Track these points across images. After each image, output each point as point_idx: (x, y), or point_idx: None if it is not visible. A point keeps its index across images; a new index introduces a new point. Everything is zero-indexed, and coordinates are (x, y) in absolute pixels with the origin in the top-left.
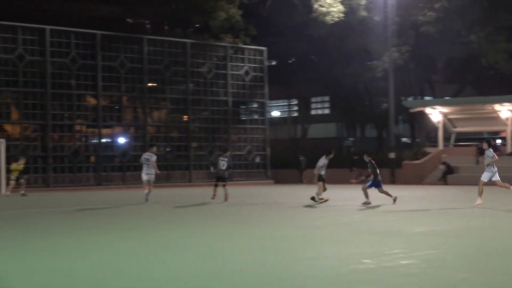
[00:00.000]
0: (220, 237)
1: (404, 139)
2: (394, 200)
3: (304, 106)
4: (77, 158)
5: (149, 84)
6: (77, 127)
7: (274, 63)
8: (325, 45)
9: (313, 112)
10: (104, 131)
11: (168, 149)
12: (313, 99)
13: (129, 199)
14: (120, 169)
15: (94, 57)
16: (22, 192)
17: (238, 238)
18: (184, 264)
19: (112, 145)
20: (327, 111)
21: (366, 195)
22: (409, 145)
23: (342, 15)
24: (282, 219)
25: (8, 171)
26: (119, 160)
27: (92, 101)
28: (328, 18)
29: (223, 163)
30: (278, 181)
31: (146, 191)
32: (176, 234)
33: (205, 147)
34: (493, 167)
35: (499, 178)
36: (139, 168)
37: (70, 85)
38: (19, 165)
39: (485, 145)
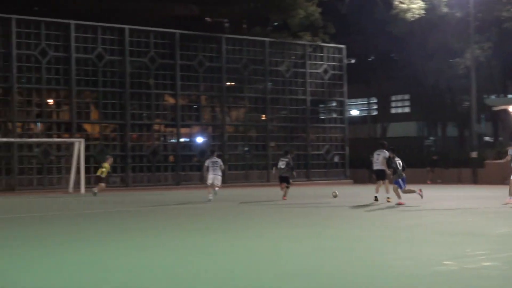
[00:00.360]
0: (299, 237)
1: (486, 138)
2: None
3: (384, 105)
4: (155, 158)
5: (228, 83)
6: (156, 127)
7: (353, 61)
8: (405, 43)
9: (393, 110)
10: (183, 130)
11: (246, 149)
12: (393, 97)
13: (216, 199)
14: (198, 169)
15: (172, 56)
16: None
17: (316, 239)
18: (271, 263)
19: (190, 145)
20: (407, 110)
21: (398, 195)
22: (492, 144)
23: (422, 11)
24: (359, 220)
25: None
26: (197, 159)
27: (170, 100)
28: (408, 15)
29: (282, 163)
30: (357, 180)
31: (212, 191)
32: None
33: (284, 146)
34: None
35: None
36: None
37: (149, 85)
38: (107, 164)
39: None
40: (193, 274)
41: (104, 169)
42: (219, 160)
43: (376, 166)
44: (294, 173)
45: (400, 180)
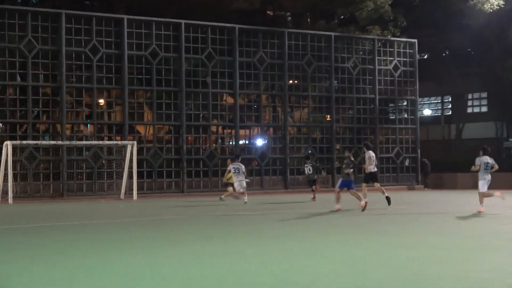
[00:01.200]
0: (373, 246)
1: None
2: (364, 205)
3: (459, 104)
4: (212, 161)
5: (290, 81)
6: (213, 128)
7: (425, 56)
8: (483, 36)
9: (469, 110)
10: (242, 132)
11: (309, 151)
12: (469, 96)
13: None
14: (258, 173)
15: (231, 53)
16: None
17: (388, 248)
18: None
19: (249, 147)
20: (484, 109)
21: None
22: None
23: (502, 2)
24: (433, 227)
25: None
26: (257, 163)
27: (229, 100)
28: (486, 6)
29: (308, 168)
30: (430, 185)
31: (243, 197)
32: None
33: (350, 149)
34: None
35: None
36: (278, 172)
37: (206, 83)
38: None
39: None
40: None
41: (230, 174)
42: (242, 165)
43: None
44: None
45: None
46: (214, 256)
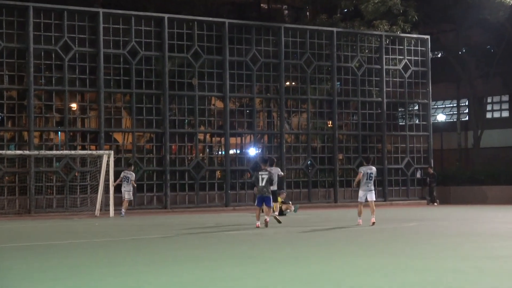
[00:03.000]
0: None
1: None
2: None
3: (477, 108)
4: (199, 174)
5: (287, 83)
6: (200, 136)
7: (439, 55)
8: (504, 32)
9: (488, 115)
10: (232, 140)
11: (308, 162)
12: (489, 99)
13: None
14: (251, 187)
15: (220, 51)
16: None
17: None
18: None
19: (241, 158)
20: (506, 114)
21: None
22: None
23: None
24: (447, 248)
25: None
26: (250, 175)
27: (218, 104)
28: None
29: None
30: (445, 200)
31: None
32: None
33: (354, 159)
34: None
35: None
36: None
37: (192, 85)
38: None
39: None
40: None
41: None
42: (276, 169)
43: None
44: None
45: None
46: (199, 282)
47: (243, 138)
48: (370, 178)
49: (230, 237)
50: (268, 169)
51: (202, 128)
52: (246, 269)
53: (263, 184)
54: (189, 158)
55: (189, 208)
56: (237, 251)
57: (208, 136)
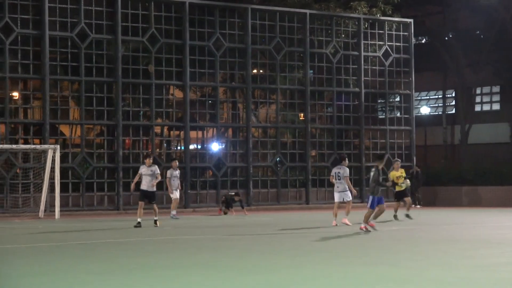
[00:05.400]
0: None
1: None
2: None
3: (466, 100)
4: None
5: (254, 71)
6: (157, 129)
7: (424, 41)
8: (495, 17)
9: (477, 108)
10: (193, 134)
11: (278, 159)
12: (478, 90)
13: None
14: (213, 186)
15: (180, 35)
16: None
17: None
18: None
19: (202, 153)
20: (496, 107)
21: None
22: None
23: None
24: (434, 258)
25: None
26: (212, 173)
27: (177, 94)
28: None
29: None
30: (429, 202)
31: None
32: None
33: (329, 156)
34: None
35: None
36: (238, 185)
37: (148, 73)
38: None
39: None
40: None
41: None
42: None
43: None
44: None
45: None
46: None
47: (205, 131)
48: (339, 178)
49: (188, 242)
50: None
51: (159, 120)
52: (205, 278)
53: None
54: (144, 153)
55: (144, 210)
56: (195, 258)
57: (165, 129)
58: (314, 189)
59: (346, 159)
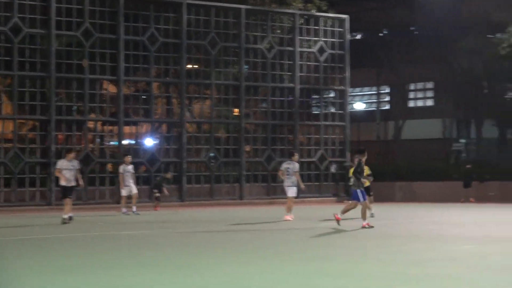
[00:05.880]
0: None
1: None
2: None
3: (399, 96)
4: (88, 166)
5: (189, 66)
6: (90, 124)
7: (359, 37)
8: (430, 14)
9: (411, 103)
10: (126, 129)
11: (211, 154)
12: (412, 86)
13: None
14: (147, 182)
15: (114, 30)
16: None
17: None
18: None
19: (136, 149)
20: (430, 103)
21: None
22: None
23: None
24: (370, 253)
25: None
26: (146, 169)
27: (110, 88)
28: None
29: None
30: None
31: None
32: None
33: (263, 151)
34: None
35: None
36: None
37: (82, 67)
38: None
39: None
40: None
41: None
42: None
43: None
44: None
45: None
46: None
47: (139, 127)
48: (288, 173)
49: (125, 239)
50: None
51: (92, 115)
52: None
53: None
54: (78, 149)
55: (77, 205)
56: (134, 255)
57: (99, 125)
58: (248, 185)
59: (296, 154)
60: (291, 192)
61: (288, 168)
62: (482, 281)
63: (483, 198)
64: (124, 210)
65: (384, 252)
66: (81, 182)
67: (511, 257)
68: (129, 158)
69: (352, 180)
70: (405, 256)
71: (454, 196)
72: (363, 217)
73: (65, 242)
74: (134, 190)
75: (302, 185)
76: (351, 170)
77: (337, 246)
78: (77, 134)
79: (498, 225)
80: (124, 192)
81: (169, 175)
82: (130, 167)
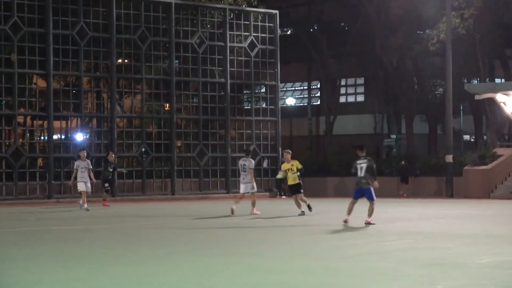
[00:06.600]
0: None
1: (466, 137)
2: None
3: (331, 91)
4: (18, 162)
5: (119, 61)
6: (20, 119)
7: (289, 32)
8: (360, 8)
9: (342, 99)
10: (56, 124)
11: (143, 149)
12: (343, 82)
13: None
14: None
15: (43, 23)
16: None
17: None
18: None
19: (66, 143)
20: (361, 98)
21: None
22: (473, 145)
23: None
24: (301, 248)
25: None
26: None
27: (40, 83)
28: None
29: None
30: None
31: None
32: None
33: (194, 146)
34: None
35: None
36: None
37: (11, 61)
38: None
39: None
40: None
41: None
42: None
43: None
44: None
45: None
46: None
47: (69, 121)
48: (244, 170)
49: (54, 234)
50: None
51: (22, 110)
52: (71, 271)
53: (363, 174)
54: (7, 143)
55: (6, 200)
56: (61, 250)
57: (28, 119)
58: (180, 180)
59: (250, 150)
60: (247, 188)
61: (244, 164)
62: (409, 276)
63: (415, 193)
64: (85, 206)
65: (315, 246)
66: None
67: (440, 252)
68: (84, 154)
69: (363, 180)
70: (337, 250)
71: (387, 192)
72: (370, 214)
73: None
74: (87, 187)
75: (254, 184)
76: (283, 165)
77: (268, 241)
78: (6, 129)
79: (430, 220)
80: (80, 187)
81: (124, 170)
82: (85, 163)
